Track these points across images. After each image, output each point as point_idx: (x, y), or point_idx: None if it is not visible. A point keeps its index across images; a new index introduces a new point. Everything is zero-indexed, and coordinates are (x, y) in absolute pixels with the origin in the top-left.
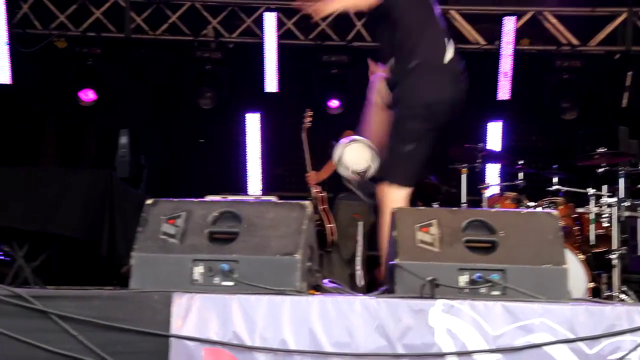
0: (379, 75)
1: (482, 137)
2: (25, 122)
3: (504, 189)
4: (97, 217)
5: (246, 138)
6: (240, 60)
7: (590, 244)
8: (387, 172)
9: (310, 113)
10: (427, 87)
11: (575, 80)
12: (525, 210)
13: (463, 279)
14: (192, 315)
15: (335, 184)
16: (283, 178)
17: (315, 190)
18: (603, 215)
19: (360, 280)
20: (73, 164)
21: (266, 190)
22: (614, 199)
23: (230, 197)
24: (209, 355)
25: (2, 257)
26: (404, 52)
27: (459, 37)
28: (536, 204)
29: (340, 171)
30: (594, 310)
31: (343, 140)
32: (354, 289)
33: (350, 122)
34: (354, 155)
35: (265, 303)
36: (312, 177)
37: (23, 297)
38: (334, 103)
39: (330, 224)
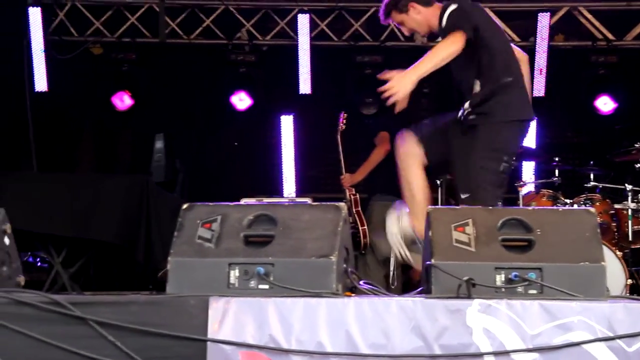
0: None
1: None
2: (62, 128)
3: (539, 187)
4: (133, 222)
5: (281, 140)
6: (274, 63)
7: (628, 240)
8: (477, 197)
9: (345, 115)
10: (521, 105)
11: (612, 75)
12: (562, 208)
13: (500, 278)
14: (229, 319)
15: (371, 185)
16: (317, 180)
17: (349, 192)
18: None
19: (394, 281)
20: (109, 170)
21: (301, 191)
22: None
23: (266, 200)
24: (246, 358)
25: (40, 264)
26: (493, 71)
27: None
28: (572, 201)
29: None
30: (633, 307)
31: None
32: (389, 289)
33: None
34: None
35: (301, 306)
36: (347, 179)
37: (61, 303)
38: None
39: (363, 226)
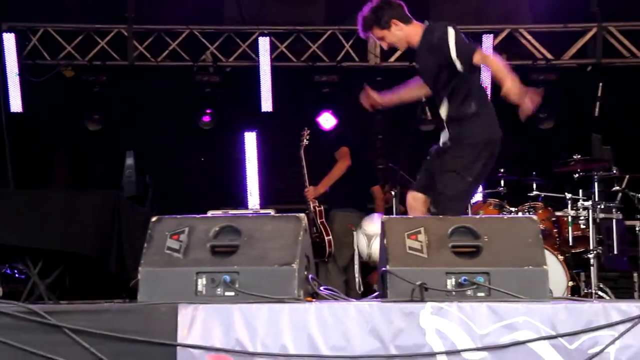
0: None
1: None
2: (37, 147)
3: (486, 196)
4: (106, 235)
5: (245, 155)
6: (237, 83)
7: (569, 244)
8: (444, 207)
9: (307, 131)
10: (487, 128)
11: (551, 92)
12: (507, 216)
13: (450, 283)
14: (197, 324)
15: (332, 197)
16: (280, 192)
17: (313, 204)
18: (580, 218)
19: (359, 287)
20: (83, 185)
21: (264, 203)
22: (590, 202)
23: (231, 212)
24: None
25: (18, 275)
26: (460, 95)
27: None
28: (517, 209)
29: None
30: (573, 307)
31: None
32: (349, 294)
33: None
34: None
35: (265, 311)
36: (311, 192)
37: (37, 312)
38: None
39: (328, 236)
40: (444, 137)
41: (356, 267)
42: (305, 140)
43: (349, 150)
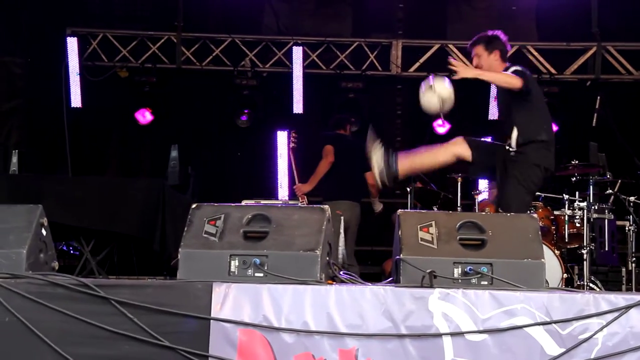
0: None
1: None
2: (92, 139)
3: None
4: (151, 218)
5: (277, 152)
6: (272, 87)
7: (565, 241)
8: (505, 205)
9: (294, 134)
10: (550, 160)
11: (553, 103)
12: (510, 214)
13: (457, 271)
14: (229, 301)
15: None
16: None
17: (302, 199)
18: (576, 217)
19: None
20: (132, 174)
21: (292, 195)
22: (585, 203)
23: (262, 202)
24: (243, 335)
25: (72, 252)
26: (532, 124)
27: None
28: None
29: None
30: (567, 297)
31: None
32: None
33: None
34: (426, 104)
35: (290, 291)
36: (300, 188)
37: (88, 285)
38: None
39: None
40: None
41: (340, 248)
42: (293, 143)
43: (332, 148)
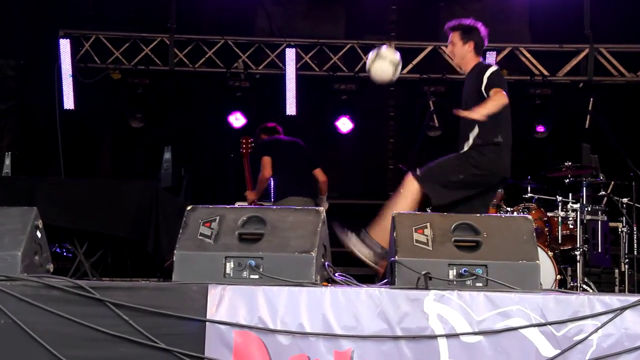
0: None
1: None
2: (85, 140)
3: None
4: (145, 220)
5: None
6: (265, 88)
7: (558, 242)
8: (426, 178)
9: (247, 140)
10: (500, 163)
11: (546, 105)
12: (504, 215)
13: (452, 273)
14: (224, 303)
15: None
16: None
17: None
18: (569, 219)
19: None
20: (125, 176)
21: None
22: (578, 205)
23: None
24: (238, 336)
25: (65, 254)
26: (489, 125)
27: (449, 69)
28: (513, 209)
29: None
30: (561, 298)
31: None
32: None
33: (356, 140)
34: (377, 72)
35: (285, 293)
36: (248, 195)
37: (83, 287)
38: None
39: None
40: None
41: None
42: (246, 149)
43: (269, 160)
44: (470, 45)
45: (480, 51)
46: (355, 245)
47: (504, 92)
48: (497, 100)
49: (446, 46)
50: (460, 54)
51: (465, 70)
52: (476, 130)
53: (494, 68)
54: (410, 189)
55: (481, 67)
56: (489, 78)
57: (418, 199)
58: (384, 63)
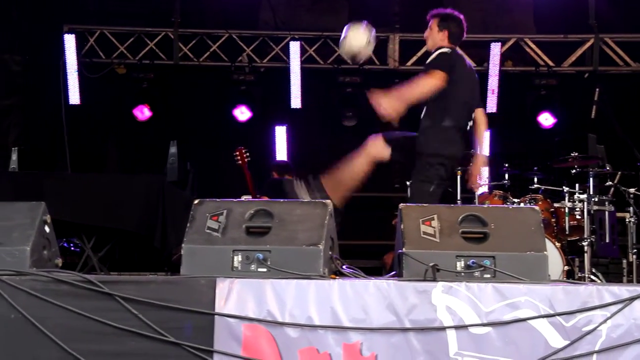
0: None
1: (474, 144)
2: (91, 135)
3: (492, 188)
4: (151, 215)
5: (275, 146)
6: (270, 82)
7: (565, 233)
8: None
9: (241, 151)
10: (452, 145)
11: (552, 95)
12: (512, 206)
13: (460, 265)
14: (233, 296)
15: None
16: (306, 179)
17: None
18: (576, 209)
19: None
20: (131, 170)
21: None
22: (585, 195)
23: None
24: (247, 330)
25: (73, 248)
26: (437, 109)
27: None
28: (519, 200)
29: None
30: (570, 289)
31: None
32: None
33: (362, 133)
34: (350, 40)
35: (293, 286)
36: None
37: (92, 281)
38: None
39: None
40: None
41: None
42: (244, 158)
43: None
44: (444, 33)
45: (454, 41)
46: (301, 192)
47: (440, 73)
48: (423, 82)
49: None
50: (434, 40)
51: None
52: (423, 111)
53: (443, 49)
54: (375, 147)
55: (438, 49)
56: (432, 59)
57: (377, 160)
58: (362, 35)
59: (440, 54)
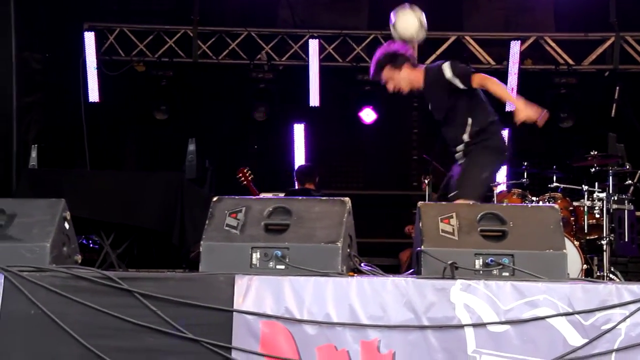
0: None
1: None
2: (110, 133)
3: (510, 187)
4: (170, 212)
5: (294, 144)
6: (288, 80)
7: (584, 232)
8: (463, 192)
9: (243, 171)
10: (503, 137)
11: (571, 94)
12: (530, 205)
13: (478, 263)
14: (251, 293)
15: None
16: (324, 177)
17: None
18: (595, 208)
19: None
20: (150, 168)
21: None
22: (604, 194)
23: (281, 195)
24: (265, 327)
25: (92, 245)
26: (482, 111)
27: (472, 59)
28: (538, 198)
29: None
30: (589, 287)
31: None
32: None
33: (380, 131)
34: (403, 23)
35: (312, 283)
36: None
37: (112, 278)
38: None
39: None
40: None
41: None
42: (247, 177)
43: None
44: (407, 67)
45: (416, 62)
46: None
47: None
48: (490, 80)
49: (470, 35)
50: (406, 80)
51: (419, 86)
52: (469, 122)
53: (446, 61)
54: None
55: (432, 68)
56: (451, 69)
57: None
58: (413, 17)
59: (453, 64)
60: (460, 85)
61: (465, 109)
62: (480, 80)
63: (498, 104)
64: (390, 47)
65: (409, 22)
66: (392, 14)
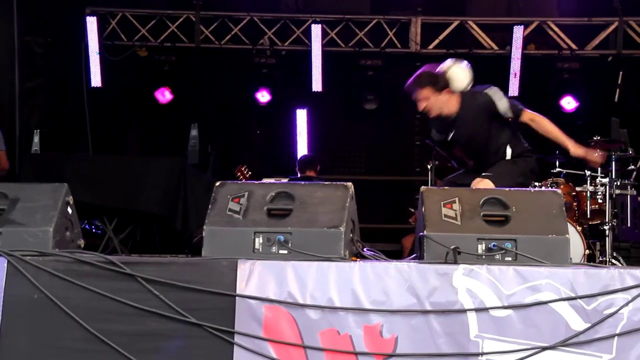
0: None
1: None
2: (113, 118)
3: None
4: (173, 197)
5: (296, 129)
6: (291, 65)
7: (587, 217)
8: (495, 178)
9: (242, 168)
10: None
11: (574, 79)
12: (533, 190)
13: (481, 247)
14: (254, 278)
15: None
16: (326, 162)
17: None
18: (597, 193)
19: None
20: (152, 153)
21: None
22: (607, 179)
23: (283, 180)
24: (268, 311)
25: (95, 230)
26: (517, 137)
27: (475, 44)
28: (541, 184)
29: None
30: (592, 272)
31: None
32: None
33: (383, 116)
34: (460, 77)
35: (314, 268)
36: None
37: (115, 262)
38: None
39: None
40: None
41: None
42: (246, 175)
43: None
44: (446, 91)
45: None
46: None
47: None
48: (549, 123)
49: (473, 20)
50: (441, 103)
51: (448, 112)
52: (508, 150)
53: (493, 88)
54: None
55: (474, 93)
56: (502, 102)
57: None
58: (465, 72)
59: (504, 97)
60: (510, 116)
61: (505, 135)
62: (532, 117)
63: None
64: (434, 69)
65: (465, 77)
66: (446, 64)
